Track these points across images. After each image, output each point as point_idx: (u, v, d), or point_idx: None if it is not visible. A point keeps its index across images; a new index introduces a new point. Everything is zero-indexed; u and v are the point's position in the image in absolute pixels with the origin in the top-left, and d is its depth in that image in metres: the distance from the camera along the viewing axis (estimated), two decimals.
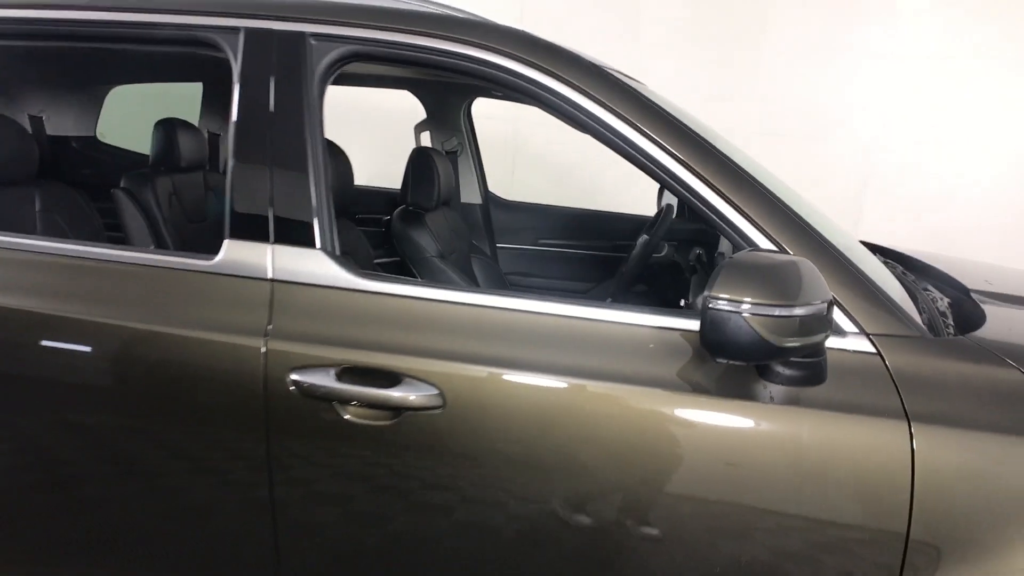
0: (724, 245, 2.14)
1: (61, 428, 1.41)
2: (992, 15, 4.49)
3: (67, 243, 1.48)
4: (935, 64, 4.69)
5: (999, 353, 1.28)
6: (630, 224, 3.00)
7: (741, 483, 1.23)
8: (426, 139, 2.92)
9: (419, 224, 2.42)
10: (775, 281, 1.10)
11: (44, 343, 1.38)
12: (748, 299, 1.08)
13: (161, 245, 2.43)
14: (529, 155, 5.17)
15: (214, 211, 2.82)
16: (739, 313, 1.08)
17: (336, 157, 2.10)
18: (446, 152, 2.88)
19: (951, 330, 1.41)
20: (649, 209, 3.09)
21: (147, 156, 2.63)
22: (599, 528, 1.26)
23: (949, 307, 1.57)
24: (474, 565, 1.32)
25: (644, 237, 2.62)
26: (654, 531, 1.25)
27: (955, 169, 4.69)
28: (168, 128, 2.62)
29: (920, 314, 1.38)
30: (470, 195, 2.91)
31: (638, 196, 3.16)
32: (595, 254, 2.97)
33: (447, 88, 2.80)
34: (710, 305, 1.09)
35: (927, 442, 1.18)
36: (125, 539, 1.44)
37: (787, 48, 5.01)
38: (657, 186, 2.92)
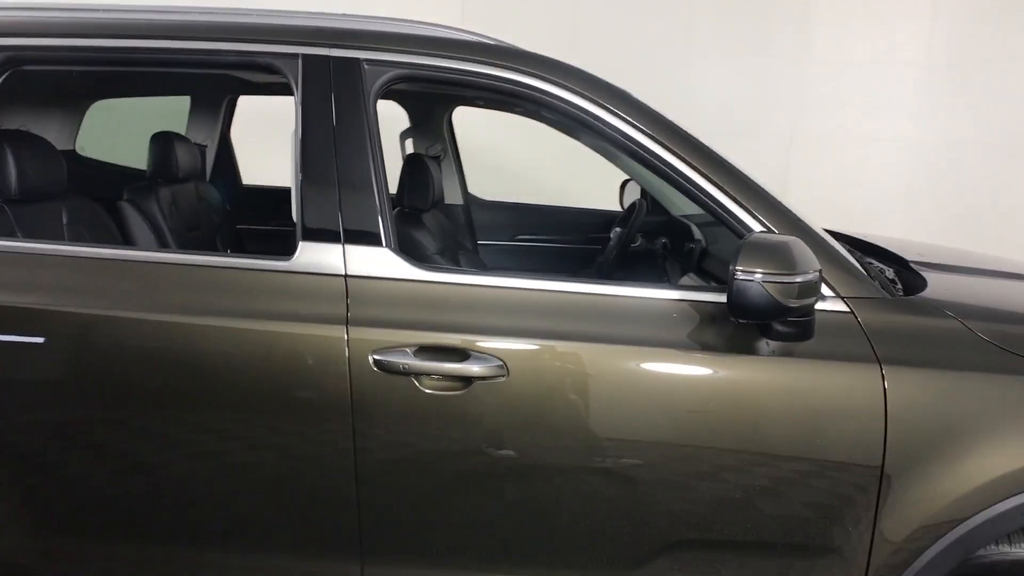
0: (697, 234, 2.43)
1: (178, 408, 1.57)
2: (887, 23, 5.04)
3: (149, 251, 1.64)
4: (841, 67, 5.22)
5: (942, 308, 1.61)
6: (598, 218, 3.29)
7: (749, 423, 1.52)
8: (410, 146, 3.12)
9: (417, 224, 2.62)
10: (779, 256, 1.39)
11: (154, 345, 1.55)
12: (762, 270, 1.37)
13: None
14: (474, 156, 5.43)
15: (208, 220, 2.94)
16: (760, 281, 1.36)
17: None
18: (430, 157, 3.09)
19: (900, 292, 1.74)
20: (595, 203, 3.40)
21: (126, 168, 2.72)
22: (639, 466, 1.53)
23: (896, 275, 1.91)
24: (539, 510, 1.56)
25: (618, 230, 2.91)
26: (683, 464, 1.53)
27: (862, 157, 5.23)
28: (165, 141, 2.73)
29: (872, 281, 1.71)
30: (453, 197, 3.13)
31: (585, 192, 3.47)
32: (568, 247, 3.25)
33: (431, 98, 3.01)
34: (737, 276, 1.37)
35: (894, 379, 1.50)
36: (234, 505, 1.62)
37: (712, 54, 5.45)
38: (618, 185, 3.22)
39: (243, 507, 1.61)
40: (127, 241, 2.52)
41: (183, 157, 2.76)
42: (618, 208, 3.16)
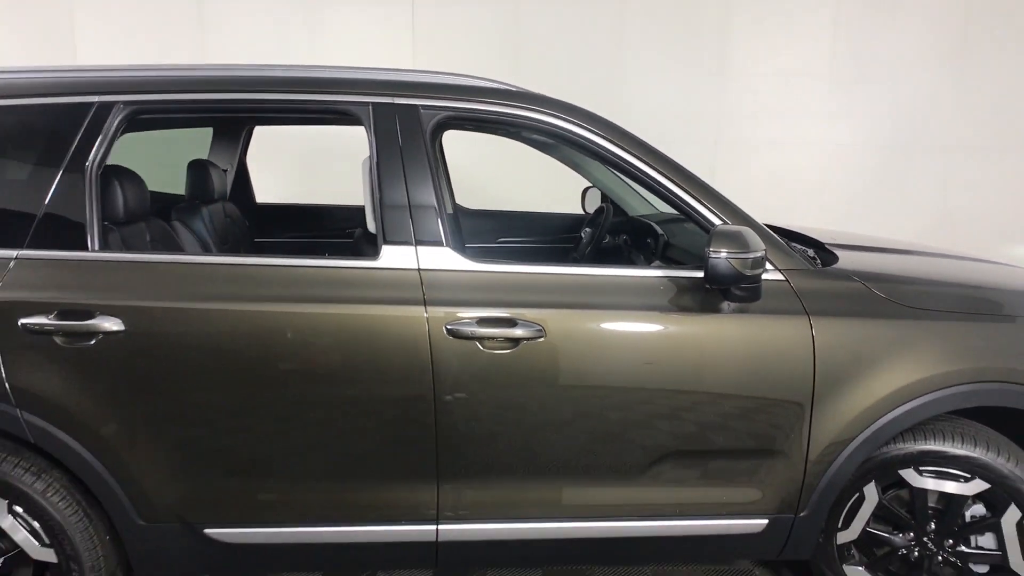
0: (659, 230, 3.01)
1: (300, 372, 2.03)
2: (795, 42, 5.80)
3: (263, 257, 2.11)
4: (757, 80, 5.97)
5: (849, 275, 2.24)
6: (567, 221, 3.85)
7: (718, 363, 2.11)
8: None
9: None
10: (738, 241, 1.98)
11: (276, 327, 2.01)
12: (727, 251, 1.96)
13: None
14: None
15: (234, 235, 3.35)
16: (726, 258, 1.94)
17: None
18: None
19: (819, 265, 2.36)
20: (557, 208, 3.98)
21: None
22: (644, 395, 2.10)
23: (816, 253, 2.53)
24: (571, 433, 2.10)
25: (588, 230, 3.48)
26: (675, 393, 2.10)
27: (781, 159, 5.98)
28: (201, 167, 3.15)
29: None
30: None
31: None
32: (545, 247, 3.80)
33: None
34: (711, 255, 1.95)
35: (819, 326, 2.11)
36: (343, 445, 2.09)
37: (642, 69, 6.14)
38: (580, 191, 3.78)
39: (350, 445, 2.09)
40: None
41: (215, 181, 3.18)
42: (580, 211, 3.73)
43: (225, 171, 3.49)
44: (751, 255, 1.98)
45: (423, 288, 2.05)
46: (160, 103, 2.13)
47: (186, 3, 5.87)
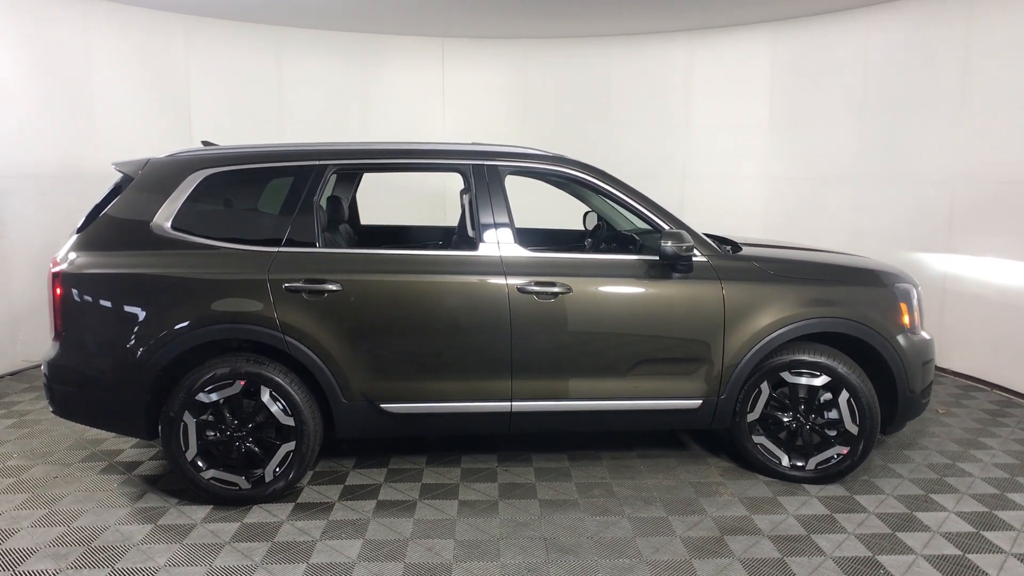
0: (638, 239, 4.60)
1: (436, 315, 3.56)
2: (741, 99, 7.48)
3: (429, 250, 3.73)
4: (714, 129, 7.63)
5: (746, 258, 3.85)
6: (570, 235, 5.44)
7: (668, 309, 3.70)
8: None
9: None
10: (676, 237, 3.59)
11: (426, 289, 3.57)
12: (672, 243, 3.57)
13: None
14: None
15: (349, 246, 4.91)
16: (672, 247, 3.55)
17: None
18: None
19: (729, 252, 3.95)
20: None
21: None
22: (626, 328, 3.67)
23: (731, 247, 4.13)
24: (586, 349, 3.66)
25: (589, 240, 5.09)
26: (643, 328, 3.68)
27: (733, 189, 7.62)
28: (335, 200, 4.73)
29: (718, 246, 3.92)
30: None
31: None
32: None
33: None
34: (664, 245, 3.55)
35: (726, 287, 3.71)
36: (458, 357, 3.60)
37: (625, 122, 7.81)
38: (581, 215, 5.36)
39: (461, 357, 3.63)
40: None
41: (342, 209, 4.76)
42: (581, 228, 5.31)
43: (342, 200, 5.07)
44: (684, 244, 3.59)
45: (503, 267, 3.64)
46: (353, 165, 3.74)
47: (268, 82, 7.51)
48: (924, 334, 3.99)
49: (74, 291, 3.51)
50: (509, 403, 3.68)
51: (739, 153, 7.50)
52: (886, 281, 3.93)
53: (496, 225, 3.70)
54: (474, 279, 3.62)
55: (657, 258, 3.72)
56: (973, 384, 5.79)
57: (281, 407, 3.53)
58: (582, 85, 8.04)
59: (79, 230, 3.63)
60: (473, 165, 3.75)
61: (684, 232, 3.64)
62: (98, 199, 3.76)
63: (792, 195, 7.20)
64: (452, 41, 8.05)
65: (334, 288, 3.52)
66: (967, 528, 3.42)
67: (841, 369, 3.76)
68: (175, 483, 3.85)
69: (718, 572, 3.03)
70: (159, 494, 3.74)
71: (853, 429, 3.79)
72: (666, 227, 3.77)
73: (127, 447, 4.39)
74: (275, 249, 3.57)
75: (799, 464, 3.88)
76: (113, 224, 3.59)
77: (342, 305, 3.53)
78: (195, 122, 7.09)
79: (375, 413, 3.62)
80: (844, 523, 3.46)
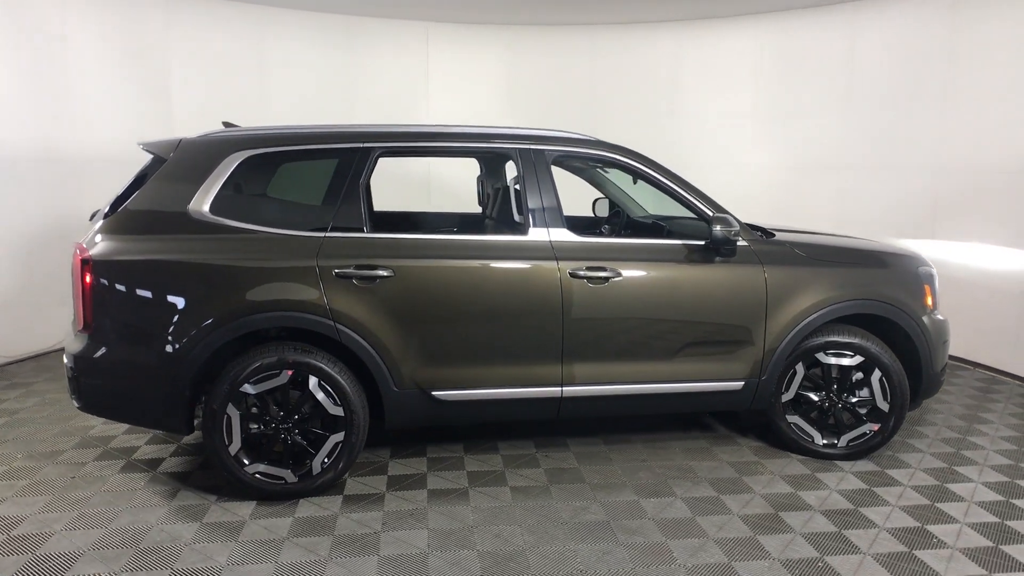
0: (669, 225, 4.64)
1: (485, 301, 3.51)
2: (727, 91, 7.61)
3: (478, 235, 3.65)
4: (704, 118, 7.74)
5: (782, 243, 3.94)
6: (580, 221, 5.44)
7: (713, 293, 3.75)
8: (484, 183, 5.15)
9: None
10: (726, 222, 3.64)
11: (473, 274, 3.52)
12: (721, 227, 3.61)
13: None
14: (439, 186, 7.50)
15: None
16: (721, 231, 3.60)
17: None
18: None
19: (764, 237, 4.03)
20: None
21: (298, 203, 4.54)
22: (672, 312, 3.71)
23: (763, 232, 4.21)
24: (638, 331, 3.67)
25: (606, 227, 5.10)
26: (689, 311, 3.72)
27: (720, 177, 7.76)
28: None
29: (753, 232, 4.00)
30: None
31: None
32: None
33: (500, 159, 5.07)
34: (715, 231, 3.60)
35: (768, 270, 3.79)
36: (511, 342, 3.56)
37: (619, 115, 7.84)
38: (591, 201, 5.38)
39: (514, 343, 3.59)
40: None
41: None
42: (590, 215, 5.32)
43: None
44: (733, 229, 3.64)
45: (554, 252, 3.61)
46: (396, 148, 3.64)
47: (250, 63, 7.24)
48: (940, 315, 4.16)
49: (107, 279, 3.31)
50: (560, 388, 3.66)
51: (725, 142, 7.64)
52: (911, 264, 4.09)
53: (545, 210, 3.67)
54: (527, 264, 3.58)
55: (702, 242, 3.76)
56: (959, 364, 6.09)
57: (330, 397, 3.42)
58: (568, 73, 8.04)
59: (107, 215, 3.42)
60: (520, 149, 3.71)
61: (731, 216, 3.70)
62: (114, 182, 3.56)
63: (779, 183, 7.39)
64: (437, 26, 7.92)
65: (385, 274, 3.43)
66: (997, 497, 3.60)
67: (874, 349, 3.89)
68: (208, 479, 3.70)
69: (785, 547, 3.10)
70: (194, 491, 3.58)
71: (884, 407, 3.93)
72: (708, 212, 3.82)
73: (141, 443, 4.18)
74: (322, 234, 3.46)
75: (832, 442, 4.00)
76: (147, 208, 3.40)
77: (394, 291, 3.44)
78: (175, 103, 6.78)
79: (426, 401, 3.55)
80: (885, 496, 3.59)
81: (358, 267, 3.42)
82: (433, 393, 3.54)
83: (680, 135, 7.83)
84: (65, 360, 3.46)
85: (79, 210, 6.19)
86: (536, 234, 3.64)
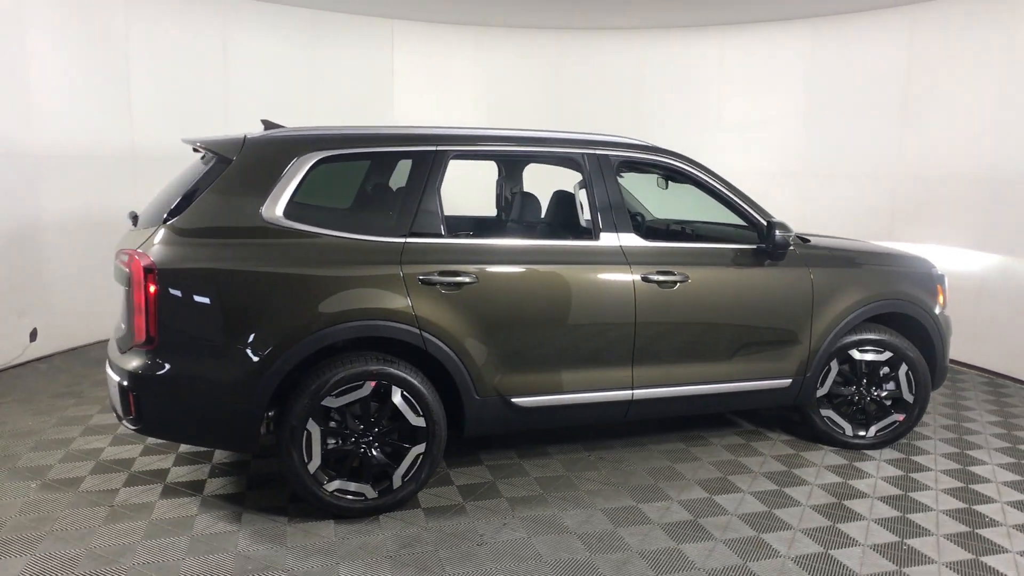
0: (695, 229, 4.77)
1: (559, 306, 3.50)
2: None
3: (553, 240, 3.62)
4: (663, 127, 7.99)
5: (819, 246, 4.17)
6: None
7: (765, 293, 3.92)
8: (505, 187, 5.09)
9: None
10: (784, 227, 3.81)
11: (548, 280, 3.51)
12: (781, 232, 3.79)
13: None
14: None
15: None
16: (781, 235, 3.77)
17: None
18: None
19: (802, 242, 4.24)
20: None
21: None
22: (731, 314, 3.85)
23: (801, 238, 4.41)
24: (707, 333, 3.79)
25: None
26: (745, 311, 3.87)
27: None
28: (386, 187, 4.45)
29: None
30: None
31: None
32: None
33: (519, 162, 5.02)
34: (777, 236, 3.76)
35: (814, 272, 4.00)
36: (585, 347, 3.57)
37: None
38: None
39: (590, 347, 3.60)
40: None
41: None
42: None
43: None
44: (791, 234, 3.82)
45: (625, 256, 3.66)
46: (468, 151, 3.57)
47: (213, 58, 6.83)
48: (947, 313, 4.54)
49: (176, 290, 3.05)
50: (630, 391, 3.71)
51: (692, 148, 7.90)
52: (926, 267, 4.43)
53: (614, 214, 3.71)
54: (601, 268, 3.60)
55: (753, 246, 3.92)
56: None
57: (412, 408, 3.31)
58: (534, 75, 8.09)
59: (166, 219, 3.15)
60: (587, 154, 3.73)
61: (784, 223, 3.87)
62: (170, 179, 3.29)
63: (743, 188, 7.71)
64: (402, 23, 7.77)
65: (468, 280, 3.36)
66: (1014, 476, 3.97)
67: (902, 345, 4.19)
68: (264, 499, 3.48)
69: (865, 533, 3.30)
70: (258, 513, 3.36)
71: (909, 398, 4.23)
72: (761, 218, 3.97)
73: (162, 463, 3.87)
74: (402, 240, 3.34)
75: (861, 433, 4.27)
76: (216, 212, 3.16)
77: (477, 297, 3.37)
78: (134, 95, 6.29)
79: (506, 408, 3.50)
80: (924, 481, 3.88)
81: (441, 273, 3.32)
82: (513, 400, 3.50)
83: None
84: (116, 377, 3.16)
85: (41, 210, 5.64)
86: (607, 239, 3.67)
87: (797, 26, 7.19)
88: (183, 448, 4.09)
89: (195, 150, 3.56)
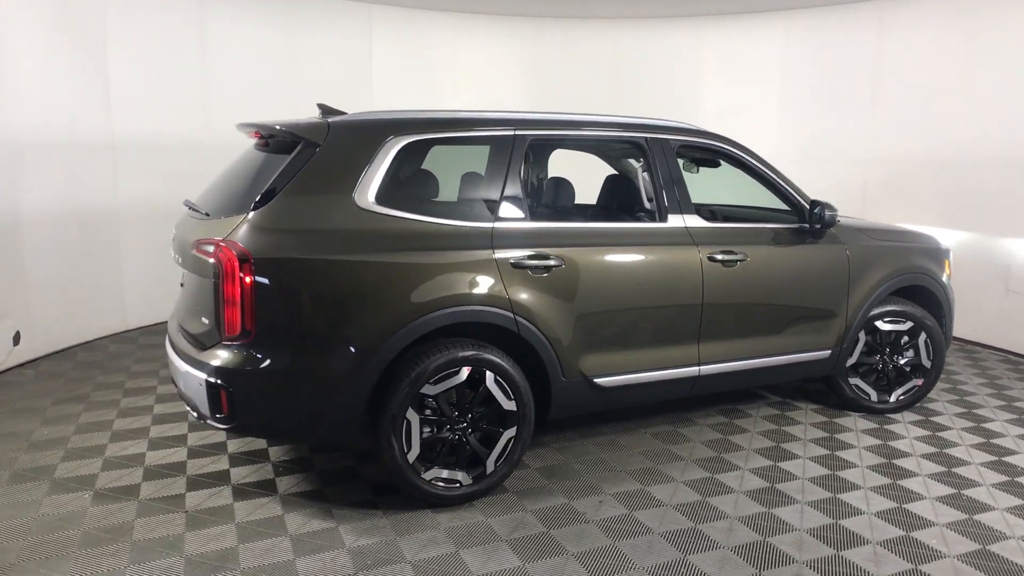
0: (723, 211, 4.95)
1: (631, 286, 3.58)
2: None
3: (627, 223, 3.68)
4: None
5: (852, 227, 4.42)
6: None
7: (808, 268, 4.13)
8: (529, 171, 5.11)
9: None
10: (830, 206, 4.03)
11: (622, 261, 3.61)
12: (828, 212, 4.00)
13: None
14: None
15: None
16: (829, 215, 3.99)
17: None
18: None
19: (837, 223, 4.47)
20: None
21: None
22: (782, 290, 4.05)
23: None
24: (764, 311, 3.97)
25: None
26: (794, 285, 4.08)
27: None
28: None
29: None
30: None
31: None
32: None
33: (547, 147, 5.03)
34: (825, 215, 3.97)
35: (849, 248, 4.25)
36: (656, 326, 3.67)
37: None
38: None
39: (664, 326, 3.69)
40: None
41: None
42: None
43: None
44: (836, 213, 4.05)
45: (691, 237, 3.78)
46: (544, 136, 3.60)
47: (189, 40, 6.51)
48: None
49: (273, 280, 2.94)
50: (697, 367, 3.84)
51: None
52: (935, 242, 4.77)
53: (679, 197, 3.82)
54: (673, 249, 3.71)
55: (796, 226, 4.12)
56: None
57: (504, 392, 3.32)
58: (512, 62, 8.11)
59: (256, 207, 3.03)
60: (650, 139, 3.81)
61: (828, 203, 4.09)
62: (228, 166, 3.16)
63: (720, 173, 8.01)
64: (381, 8, 7.62)
65: (555, 263, 3.39)
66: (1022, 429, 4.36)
67: (921, 315, 4.51)
68: (345, 494, 3.41)
69: (927, 487, 3.56)
70: (347, 508, 3.28)
71: (927, 364, 4.57)
72: (801, 200, 4.18)
73: (221, 466, 3.72)
74: (490, 224, 3.33)
75: (885, 398, 4.57)
76: (307, 199, 3.06)
77: (564, 280, 3.41)
78: (112, 80, 5.93)
79: (589, 388, 3.56)
80: (950, 438, 4.21)
81: (531, 257, 3.34)
82: (595, 380, 3.56)
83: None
84: (200, 375, 3.02)
85: (17, 203, 5.25)
86: (674, 220, 3.78)
87: (772, 18, 7.52)
88: (232, 447, 3.94)
89: (261, 136, 3.42)
